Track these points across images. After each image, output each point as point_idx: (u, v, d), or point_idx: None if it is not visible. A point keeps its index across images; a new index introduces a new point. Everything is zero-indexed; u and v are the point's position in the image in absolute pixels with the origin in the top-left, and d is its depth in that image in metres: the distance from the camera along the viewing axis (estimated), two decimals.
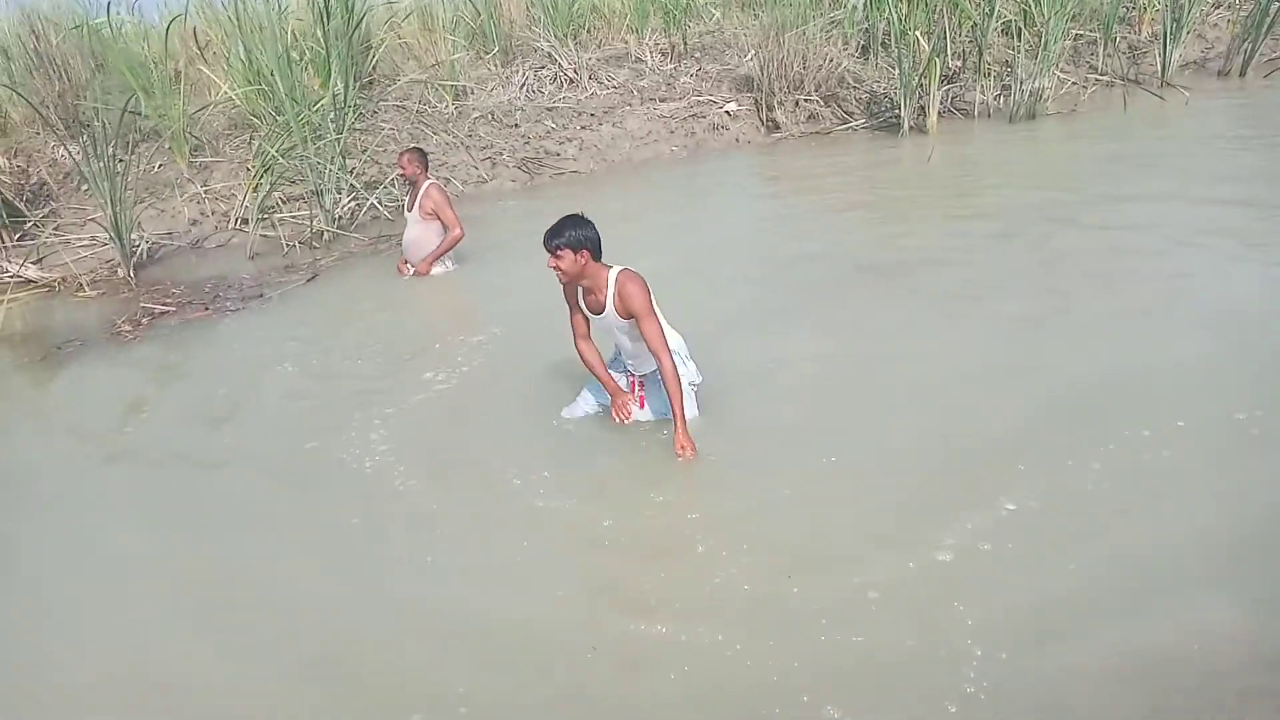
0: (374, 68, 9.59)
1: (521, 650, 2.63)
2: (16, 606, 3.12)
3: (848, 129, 9.76)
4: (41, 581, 3.26)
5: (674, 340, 3.64)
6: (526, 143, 9.48)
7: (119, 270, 6.88)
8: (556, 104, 10.12)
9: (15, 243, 7.19)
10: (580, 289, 3.56)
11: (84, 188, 7.98)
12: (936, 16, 8.98)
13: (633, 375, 3.79)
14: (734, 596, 2.74)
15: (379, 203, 7.79)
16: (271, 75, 7.36)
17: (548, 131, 9.69)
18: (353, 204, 7.69)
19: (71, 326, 5.95)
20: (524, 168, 9.19)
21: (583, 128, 9.82)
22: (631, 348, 3.64)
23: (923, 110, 9.27)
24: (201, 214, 7.85)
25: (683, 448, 3.43)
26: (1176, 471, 3.14)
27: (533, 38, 10.76)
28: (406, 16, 10.16)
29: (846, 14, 9.86)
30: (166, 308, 6.02)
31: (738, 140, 9.81)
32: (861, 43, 10.29)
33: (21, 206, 7.41)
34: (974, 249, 5.71)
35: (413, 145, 7.07)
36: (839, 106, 9.95)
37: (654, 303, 3.44)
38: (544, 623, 2.72)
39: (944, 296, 4.97)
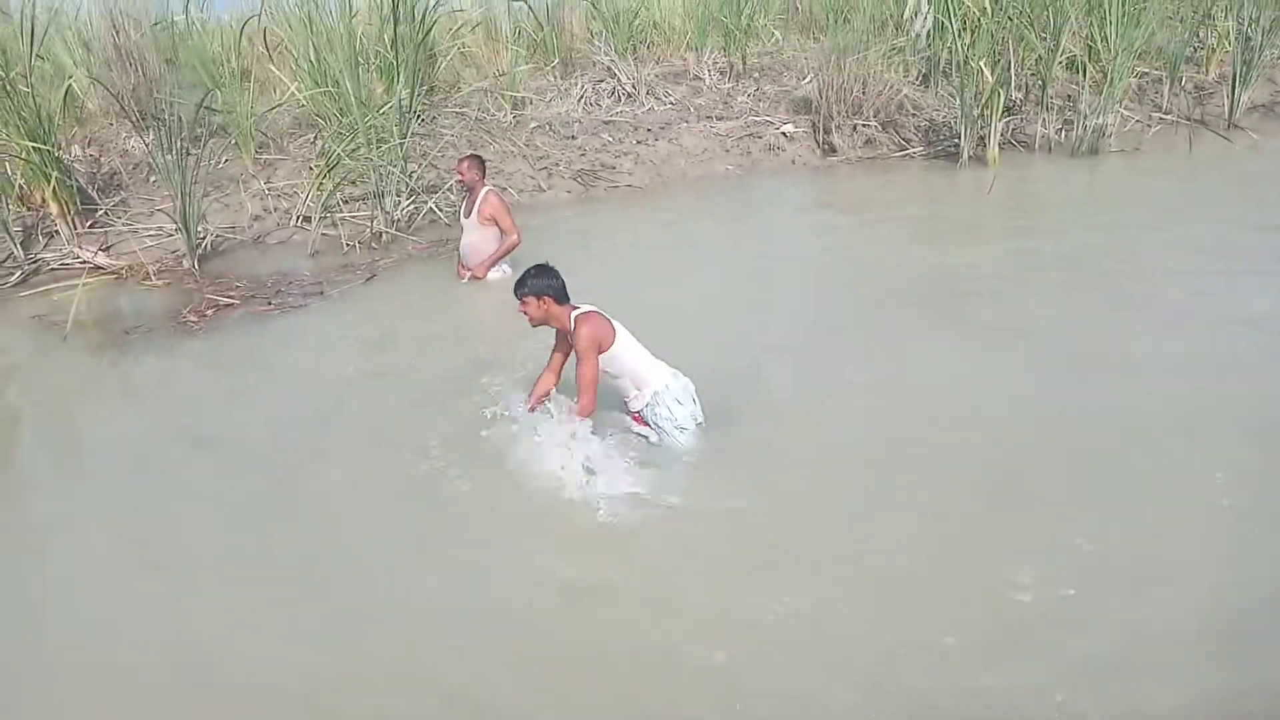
0: (435, 74, 9.74)
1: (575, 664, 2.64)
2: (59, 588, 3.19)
3: (905, 156, 9.71)
4: (91, 563, 3.33)
5: (656, 383, 3.75)
6: (583, 155, 9.55)
7: (184, 261, 7.03)
8: (613, 118, 10.20)
9: (86, 229, 7.38)
10: (557, 331, 3.83)
11: (153, 179, 8.18)
12: (1001, 48, 8.91)
13: (632, 411, 3.88)
14: (799, 636, 2.71)
15: (437, 207, 7.88)
16: (340, 78, 7.49)
17: (604, 145, 9.76)
18: (411, 207, 7.79)
19: (138, 313, 6.09)
20: (579, 179, 9.26)
21: (639, 142, 9.87)
22: (614, 385, 3.80)
23: (982, 141, 9.21)
24: (264, 210, 8.00)
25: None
26: (1248, 517, 3.08)
27: (592, 51, 10.86)
28: (474, 27, 10.30)
29: (909, 41, 9.82)
30: (231, 300, 6.14)
31: (793, 161, 9.81)
32: (922, 71, 10.24)
33: (94, 194, 7.61)
34: (1034, 283, 5.66)
35: (471, 152, 7.15)
36: (896, 133, 9.91)
37: (619, 346, 3.66)
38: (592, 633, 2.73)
39: (1003, 331, 4.93)
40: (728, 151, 9.92)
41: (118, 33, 8.84)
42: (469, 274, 6.29)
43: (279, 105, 8.55)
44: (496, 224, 6.21)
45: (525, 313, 3.73)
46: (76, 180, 7.47)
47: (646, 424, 3.84)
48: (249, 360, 5.29)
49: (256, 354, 5.37)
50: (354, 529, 3.45)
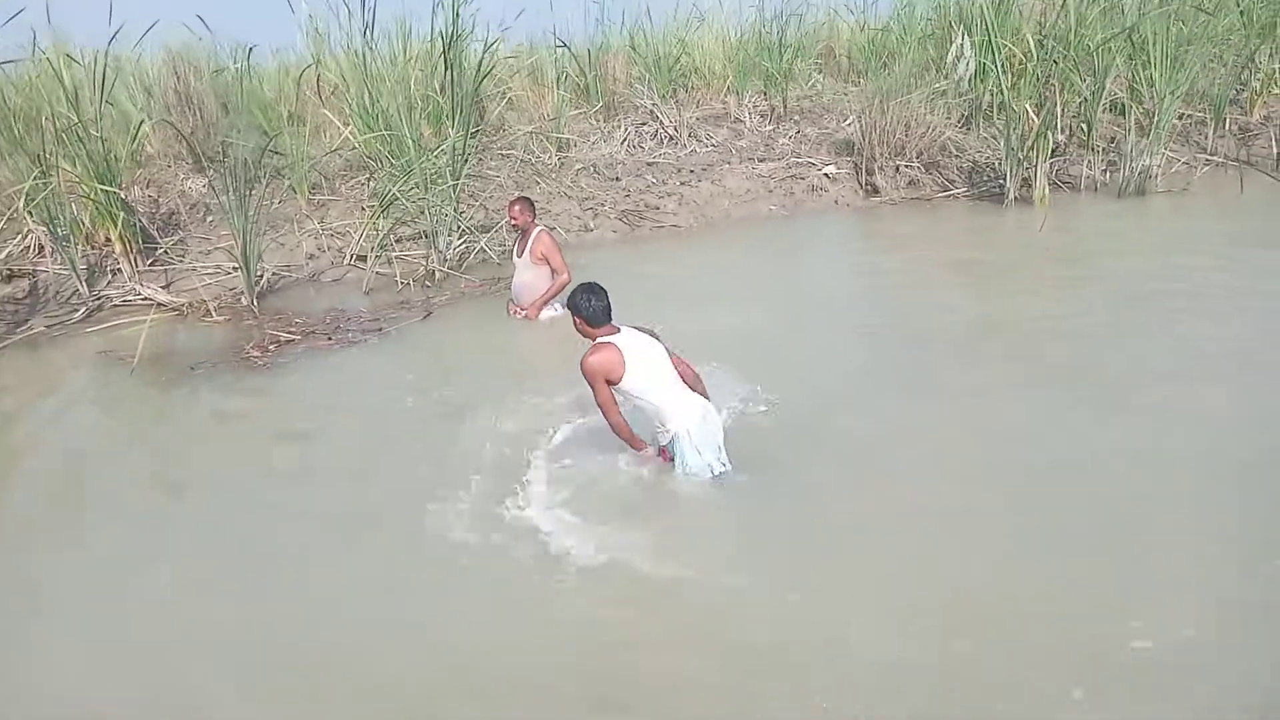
0: (484, 118, 9.94)
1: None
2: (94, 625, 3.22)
3: (948, 196, 9.73)
4: (171, 593, 3.35)
5: (677, 422, 3.72)
6: (627, 195, 9.66)
7: (242, 298, 7.15)
8: (657, 159, 10.33)
9: (147, 267, 7.54)
10: None
11: (210, 219, 8.37)
12: (1047, 90, 8.96)
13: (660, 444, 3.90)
14: (917, 687, 2.65)
15: (487, 246, 7.99)
16: (397, 121, 7.66)
17: (648, 186, 9.87)
18: (463, 246, 7.90)
19: (202, 349, 6.19)
20: (624, 219, 9.35)
21: (682, 184, 9.98)
22: (642, 411, 3.82)
23: (1026, 181, 9.22)
24: (318, 249, 8.14)
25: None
26: None
27: (634, 95, 11.04)
28: (515, 74, 10.51)
29: (951, 85, 9.89)
30: (292, 336, 6.23)
31: (836, 202, 9.86)
32: (964, 113, 10.30)
33: (155, 233, 7.79)
34: (1091, 325, 5.59)
35: (520, 195, 7.24)
36: (939, 174, 9.95)
37: (643, 379, 3.68)
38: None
39: (1057, 375, 4.86)
40: (771, 192, 10.00)
41: (178, 79, 9.12)
42: (522, 313, 6.35)
43: (336, 149, 8.73)
44: (548, 263, 6.28)
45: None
46: (139, 220, 7.65)
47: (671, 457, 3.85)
48: (312, 395, 5.36)
49: (319, 388, 5.43)
50: (406, 562, 3.46)
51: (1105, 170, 9.52)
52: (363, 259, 7.81)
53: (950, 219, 8.97)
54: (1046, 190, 8.97)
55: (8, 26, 6.22)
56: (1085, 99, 9.47)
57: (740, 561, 3.34)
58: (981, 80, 9.95)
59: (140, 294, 7.17)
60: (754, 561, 3.31)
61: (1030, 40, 9.15)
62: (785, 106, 11.39)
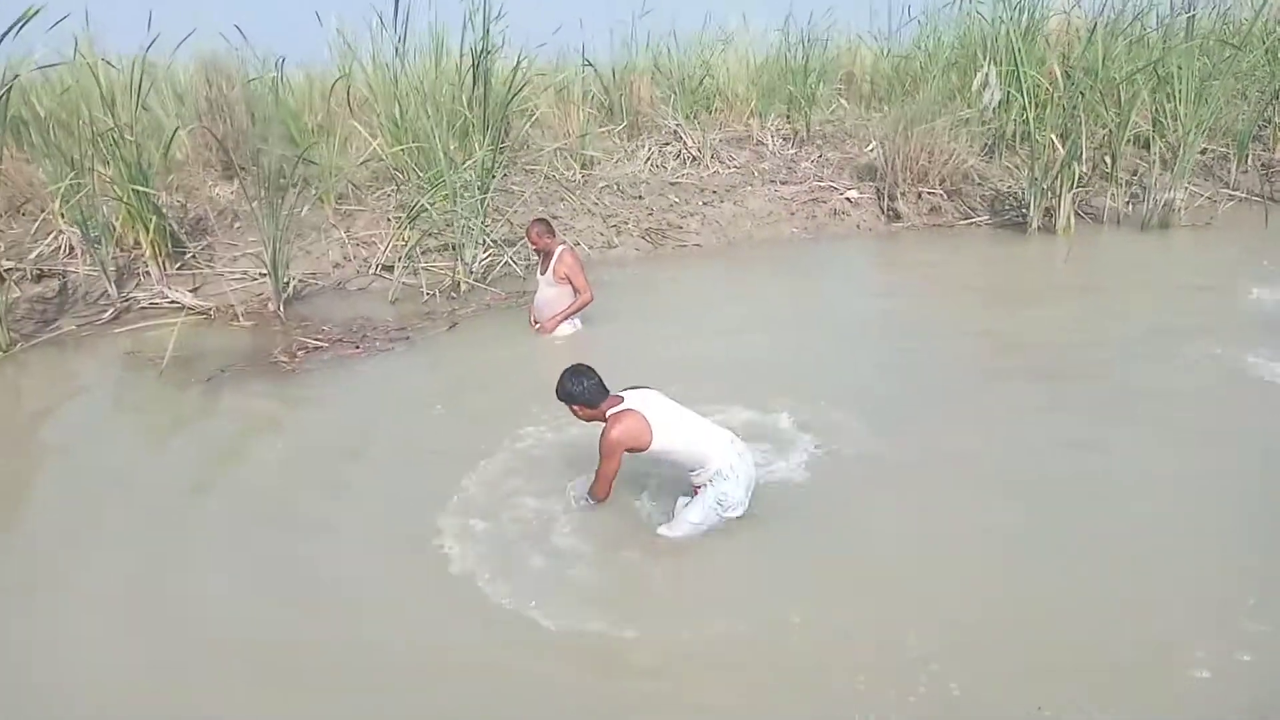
0: (509, 134, 10.01)
1: None
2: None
3: (970, 224, 9.75)
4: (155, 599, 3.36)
5: (716, 462, 3.56)
6: (650, 214, 9.71)
7: (269, 304, 7.19)
8: (680, 179, 10.38)
9: (175, 271, 7.60)
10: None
11: (237, 225, 8.44)
12: (1071, 121, 8.99)
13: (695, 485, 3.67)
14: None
15: (512, 260, 8.03)
16: (430, 134, 7.72)
17: (670, 205, 9.92)
18: (488, 259, 7.94)
19: (228, 353, 6.22)
20: (647, 238, 9.40)
21: (704, 204, 10.03)
22: (674, 467, 3.66)
23: (1048, 211, 9.23)
24: (344, 258, 8.20)
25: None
26: None
27: (659, 115, 11.11)
28: (544, 91, 10.59)
29: (975, 113, 9.94)
30: (319, 342, 6.26)
31: (858, 226, 9.89)
32: (986, 142, 10.35)
33: (183, 237, 7.85)
34: (1114, 355, 5.58)
35: (537, 217, 7.08)
36: (962, 201, 9.98)
37: (670, 434, 3.51)
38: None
39: (1082, 403, 4.86)
40: (793, 215, 10.04)
41: (210, 86, 9.22)
42: (539, 326, 6.36)
43: (365, 160, 8.81)
44: (570, 282, 6.27)
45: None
46: (169, 224, 7.72)
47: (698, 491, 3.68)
48: (339, 401, 5.38)
49: (346, 395, 5.46)
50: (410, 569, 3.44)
51: (1128, 202, 9.54)
52: (388, 269, 7.86)
53: (973, 246, 8.98)
54: (1071, 220, 8.98)
55: (32, 35, 6.30)
56: (1110, 131, 9.50)
57: (785, 588, 3.31)
58: (1006, 109, 9.99)
59: (168, 297, 7.22)
60: (796, 591, 3.28)
61: (1057, 71, 9.19)
62: (808, 130, 11.45)
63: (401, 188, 8.69)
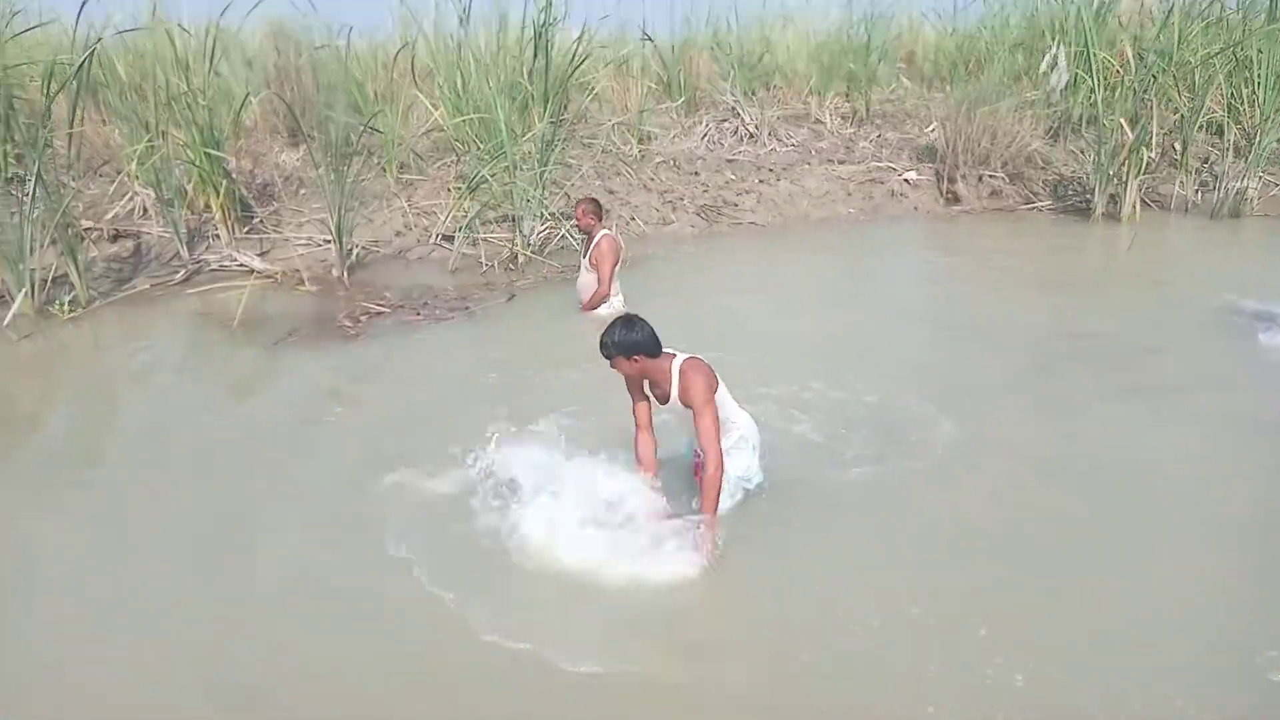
0: (566, 107, 10.06)
1: None
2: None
3: (1031, 209, 9.60)
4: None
5: (742, 425, 3.52)
6: (705, 191, 9.70)
7: (333, 270, 7.37)
8: (736, 156, 10.35)
9: (244, 235, 7.81)
10: (646, 381, 3.52)
11: (302, 192, 8.62)
12: (1142, 105, 8.77)
13: (698, 458, 3.48)
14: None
15: (569, 233, 8.10)
16: (492, 105, 7.79)
17: (726, 182, 9.90)
18: (546, 231, 8.03)
19: (294, 316, 6.40)
20: (703, 214, 9.40)
21: (760, 181, 9.99)
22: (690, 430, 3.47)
23: (1113, 198, 9.05)
24: (405, 226, 8.34)
25: (702, 541, 3.20)
26: None
27: (717, 92, 11.07)
28: (605, 65, 10.60)
29: (1041, 95, 9.74)
30: (382, 309, 6.41)
31: (916, 208, 9.78)
32: (1051, 125, 10.14)
33: (251, 202, 8.05)
34: (1183, 345, 5.48)
35: (587, 196, 6.95)
36: (1024, 185, 9.81)
37: (719, 390, 3.36)
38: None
39: (1162, 390, 4.79)
40: (850, 195, 9.96)
41: (279, 53, 9.39)
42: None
43: (429, 129, 8.92)
44: (598, 270, 6.13)
45: (618, 371, 3.46)
46: (239, 189, 7.92)
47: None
48: (399, 365, 5.53)
49: (409, 360, 5.60)
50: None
51: (1198, 190, 9.30)
52: (448, 239, 7.98)
53: (1034, 232, 8.84)
54: (1137, 207, 8.79)
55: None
56: (1182, 116, 9.26)
57: (849, 569, 3.31)
58: (1074, 91, 9.78)
59: (237, 260, 7.43)
60: (862, 573, 3.29)
61: (1129, 52, 8.96)
62: (867, 109, 11.32)
63: (462, 158, 8.79)
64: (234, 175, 8.04)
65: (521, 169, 7.83)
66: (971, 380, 5.04)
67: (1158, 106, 8.79)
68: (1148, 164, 9.01)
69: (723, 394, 3.45)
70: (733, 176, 9.98)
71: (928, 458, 4.05)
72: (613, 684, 2.68)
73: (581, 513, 3.31)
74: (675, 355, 3.43)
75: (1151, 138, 8.77)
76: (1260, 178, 9.07)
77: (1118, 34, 9.68)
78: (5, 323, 6.10)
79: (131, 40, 8.45)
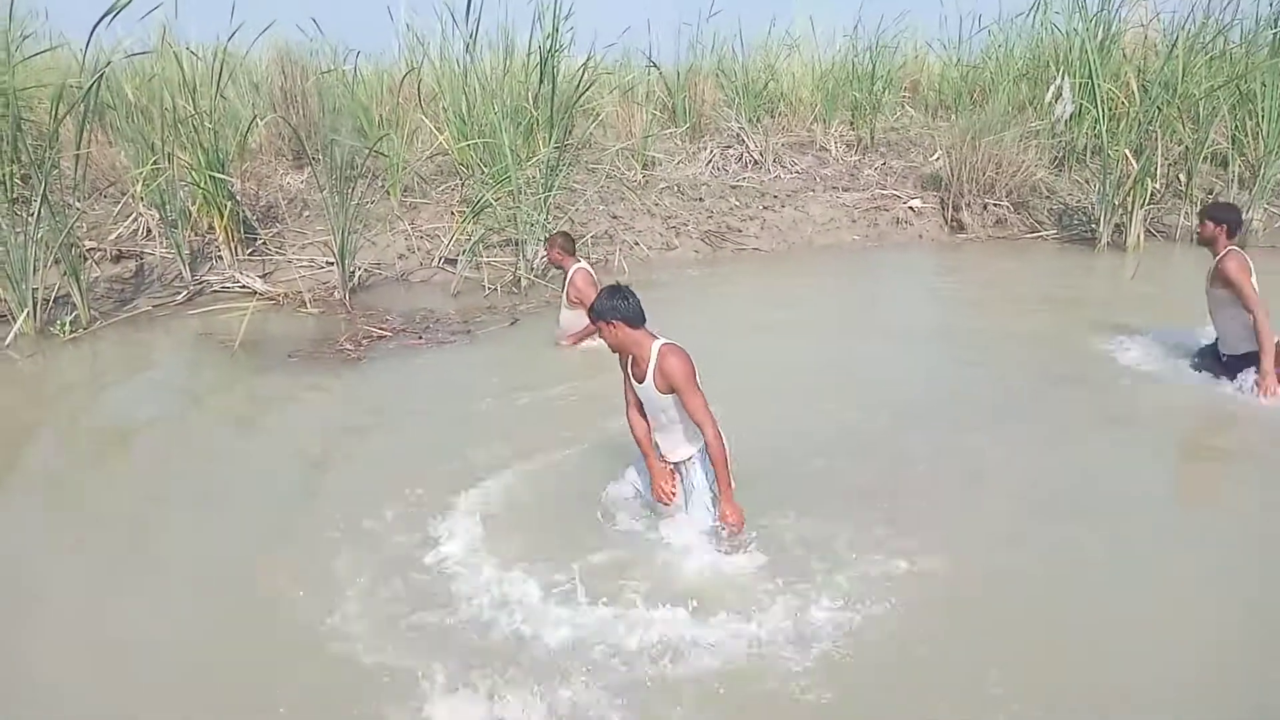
0: (570, 132, 10.09)
1: None
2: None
3: (1036, 238, 9.59)
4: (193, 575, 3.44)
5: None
6: (710, 217, 9.71)
7: (336, 292, 7.36)
8: (740, 183, 10.37)
9: (246, 256, 7.81)
10: (631, 357, 3.53)
11: (305, 214, 8.63)
12: (1146, 136, 8.79)
13: (666, 462, 3.61)
14: None
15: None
16: (495, 130, 7.81)
17: (731, 208, 9.91)
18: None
19: (297, 337, 6.38)
20: (707, 240, 9.41)
21: (765, 208, 10.00)
22: (664, 429, 3.53)
23: (1118, 227, 9.03)
24: (408, 249, 8.34)
25: (724, 516, 3.42)
26: None
27: (722, 118, 11.11)
28: (611, 91, 10.65)
29: (1046, 125, 9.76)
30: (384, 332, 6.38)
31: (920, 236, 9.78)
32: (1055, 155, 10.16)
33: (254, 224, 8.06)
34: (1179, 374, 5.43)
35: (557, 231, 6.64)
36: (1029, 214, 9.81)
37: (698, 380, 3.38)
38: None
39: (1144, 422, 4.74)
40: (854, 222, 9.96)
41: (285, 77, 9.45)
42: (564, 343, 6.06)
43: (433, 153, 8.95)
44: (582, 304, 6.03)
45: (602, 337, 3.53)
46: (242, 211, 7.93)
47: (682, 477, 3.59)
48: (401, 389, 5.49)
49: (410, 385, 5.56)
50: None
51: None
52: (451, 262, 7.98)
53: (1039, 260, 8.83)
54: (1141, 237, 8.78)
55: (117, 23, 6.53)
56: (1186, 147, 9.27)
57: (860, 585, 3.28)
58: (1078, 122, 9.80)
59: (239, 282, 7.42)
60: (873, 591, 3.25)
61: (1134, 84, 8.99)
62: (872, 137, 11.35)
63: (466, 182, 8.81)
64: (238, 197, 8.06)
65: (526, 193, 7.84)
66: (964, 409, 4.97)
67: (1162, 138, 8.81)
68: (1152, 194, 9.01)
69: None
70: (737, 203, 9.99)
71: (926, 490, 3.99)
72: None
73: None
74: (658, 338, 3.46)
75: (1156, 169, 8.78)
76: (1265, 209, 9.06)
77: (1122, 65, 9.71)
78: (7, 342, 6.08)
79: (139, 63, 8.50)
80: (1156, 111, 8.86)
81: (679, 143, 10.95)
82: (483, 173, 8.33)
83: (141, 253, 7.69)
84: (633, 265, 8.43)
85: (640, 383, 3.50)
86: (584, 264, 5.98)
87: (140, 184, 7.38)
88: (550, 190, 7.94)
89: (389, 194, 8.85)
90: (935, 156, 10.79)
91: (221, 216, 7.57)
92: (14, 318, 6.25)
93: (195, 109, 7.54)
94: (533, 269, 7.79)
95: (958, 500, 3.91)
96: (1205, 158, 9.60)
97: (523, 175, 7.83)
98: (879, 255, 9.28)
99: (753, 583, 3.23)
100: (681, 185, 10.09)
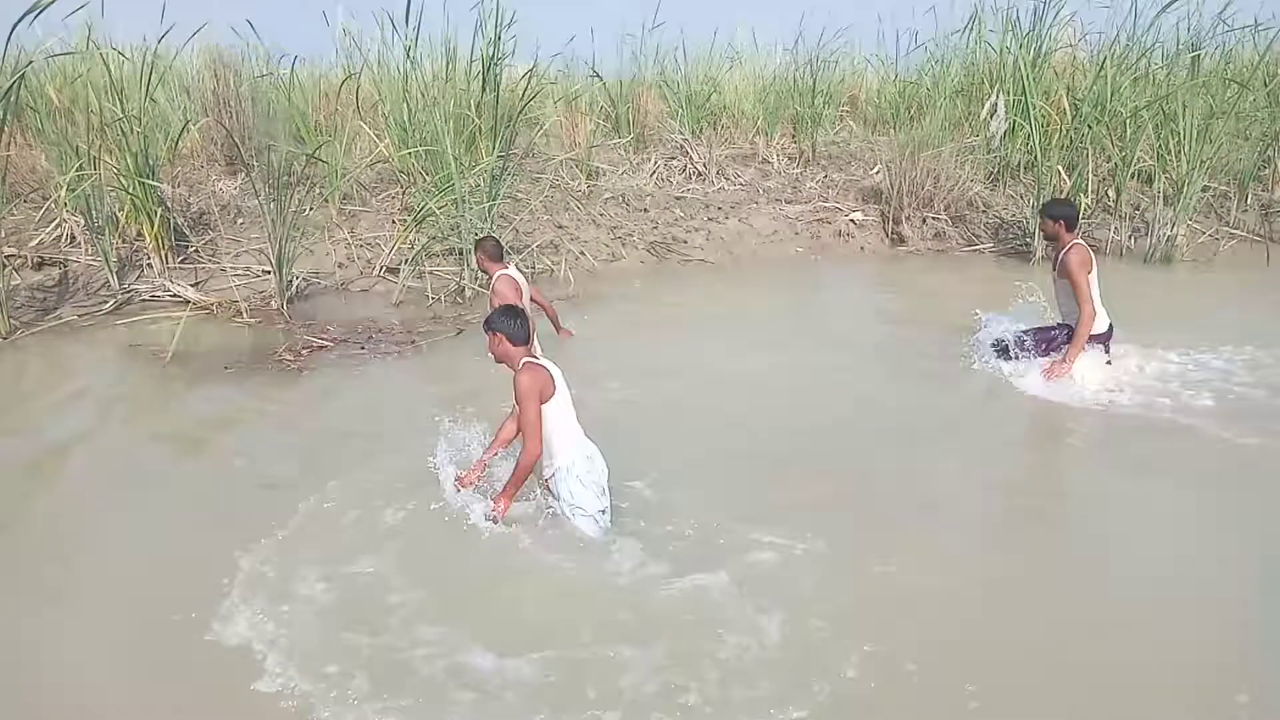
0: (514, 140, 9.99)
1: None
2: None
3: (974, 251, 9.80)
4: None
5: (562, 458, 3.67)
6: (655, 227, 9.70)
7: (272, 302, 7.13)
8: (685, 194, 10.38)
9: (177, 264, 7.53)
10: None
11: (240, 221, 8.37)
12: (1077, 155, 9.06)
13: (543, 477, 3.79)
14: None
15: (517, 267, 7.98)
16: (438, 137, 7.69)
17: (676, 219, 9.92)
18: None
19: (232, 348, 6.17)
20: (652, 251, 9.39)
21: (710, 219, 10.03)
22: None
23: None
24: (348, 258, 8.14)
25: (496, 503, 3.66)
26: None
27: (665, 130, 11.14)
28: (556, 101, 10.60)
29: (982, 140, 10.01)
30: (325, 342, 6.21)
31: (862, 249, 9.92)
32: (991, 170, 10.42)
33: (186, 231, 7.78)
34: (1114, 386, 5.57)
35: (483, 237, 6.46)
36: (966, 228, 10.03)
37: (555, 410, 3.61)
38: None
39: (1083, 435, 4.86)
40: (797, 234, 10.06)
41: (218, 81, 9.16)
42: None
43: (373, 160, 8.77)
44: None
45: (489, 348, 3.82)
46: (173, 217, 7.65)
47: (553, 494, 3.76)
48: (343, 401, 5.34)
49: (352, 396, 5.41)
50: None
51: (1131, 236, 9.59)
52: (393, 271, 7.81)
53: (976, 274, 8.99)
54: None
55: (39, 22, 6.27)
56: (1115, 164, 9.58)
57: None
58: (1012, 138, 10.06)
59: (170, 290, 7.15)
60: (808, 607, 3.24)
61: (1066, 102, 9.27)
62: (814, 151, 11.49)
63: (407, 190, 8.65)
64: (169, 203, 7.77)
65: (469, 202, 7.72)
66: (903, 424, 5.03)
67: (1092, 154, 9.10)
68: (1084, 210, 9.27)
69: (559, 417, 3.65)
70: (681, 214, 10.00)
71: (873, 504, 4.01)
72: None
73: None
74: (536, 359, 3.75)
75: (1087, 184, 9.05)
76: (1188, 225, 9.40)
77: (1054, 83, 10.01)
78: None
79: (63, 64, 8.15)
80: (1087, 129, 9.14)
81: (623, 153, 10.93)
82: (425, 181, 8.19)
83: (65, 260, 7.35)
84: (579, 276, 8.35)
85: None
86: (510, 270, 5.92)
87: (64, 189, 7.06)
88: (495, 199, 7.83)
89: (327, 201, 8.63)
90: (875, 170, 10.96)
91: (151, 223, 7.29)
92: None
93: (124, 112, 7.24)
94: (477, 279, 7.67)
95: (904, 513, 3.95)
96: (1133, 175, 9.94)
97: (466, 184, 7.70)
98: (822, 268, 9.38)
99: (702, 596, 3.20)
100: (626, 196, 10.06)
